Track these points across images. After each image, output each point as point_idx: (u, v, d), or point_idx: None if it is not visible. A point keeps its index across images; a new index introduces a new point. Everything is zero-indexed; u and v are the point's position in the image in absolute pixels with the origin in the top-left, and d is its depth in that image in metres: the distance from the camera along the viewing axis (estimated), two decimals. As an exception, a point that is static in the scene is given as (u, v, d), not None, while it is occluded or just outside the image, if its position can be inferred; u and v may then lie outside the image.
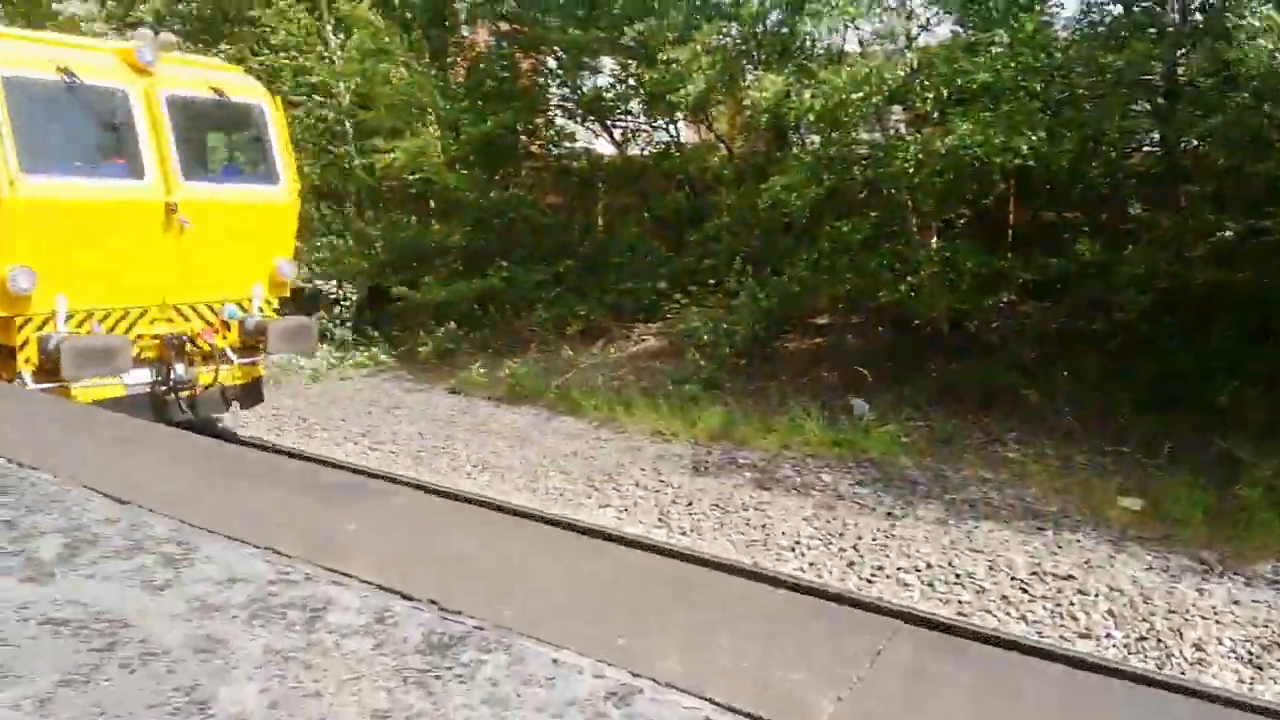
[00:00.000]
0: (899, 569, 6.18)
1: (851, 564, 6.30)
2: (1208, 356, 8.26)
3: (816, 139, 11.43)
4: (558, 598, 2.33)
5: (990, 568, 6.17)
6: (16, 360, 6.71)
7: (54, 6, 14.92)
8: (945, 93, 9.36)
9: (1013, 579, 6.00)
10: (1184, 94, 9.05)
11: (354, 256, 13.41)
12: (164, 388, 7.43)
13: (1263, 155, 7.97)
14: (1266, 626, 5.32)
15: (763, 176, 10.94)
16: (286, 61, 13.69)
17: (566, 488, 7.90)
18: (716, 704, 1.71)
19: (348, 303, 13.14)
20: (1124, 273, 8.80)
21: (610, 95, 14.03)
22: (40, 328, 6.76)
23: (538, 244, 13.74)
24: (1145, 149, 10.31)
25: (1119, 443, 8.25)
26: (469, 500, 6.59)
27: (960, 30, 10.26)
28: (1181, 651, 5.09)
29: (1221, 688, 4.63)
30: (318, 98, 14.11)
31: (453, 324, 12.68)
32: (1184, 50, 9.03)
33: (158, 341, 7.39)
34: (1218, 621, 5.39)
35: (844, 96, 9.14)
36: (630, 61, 13.32)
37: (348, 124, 14.13)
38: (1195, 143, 9.35)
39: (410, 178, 12.87)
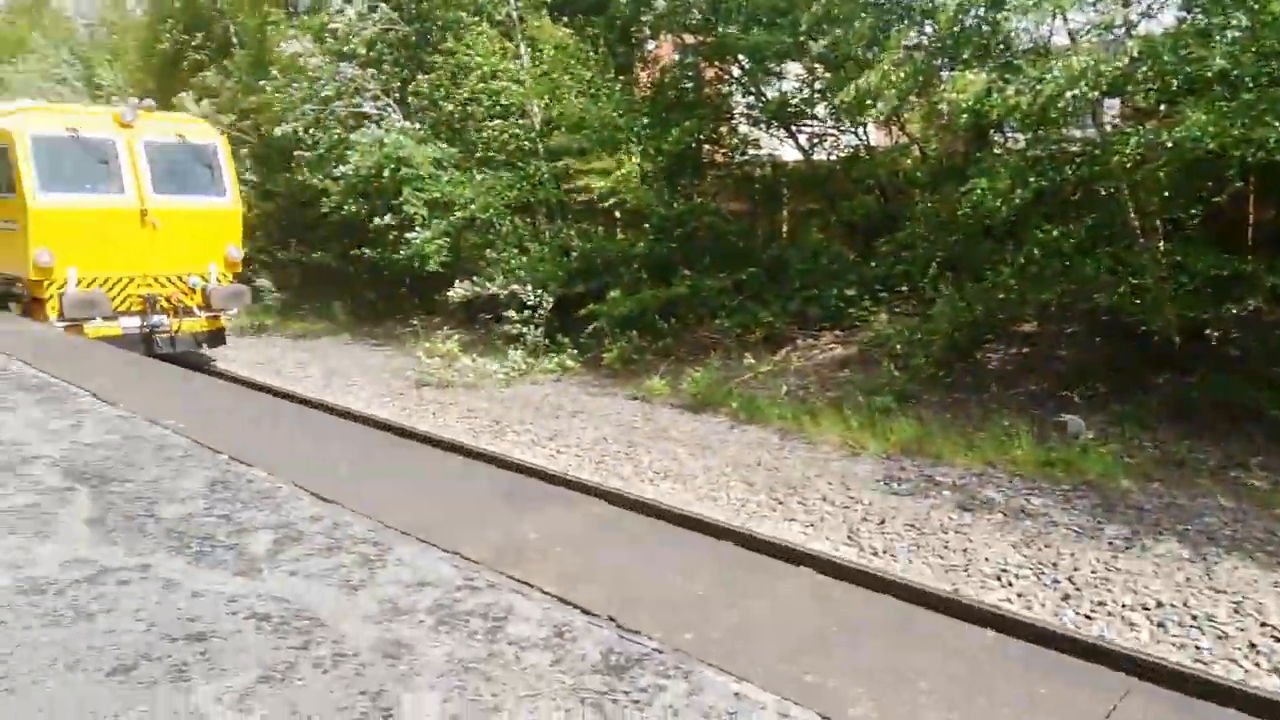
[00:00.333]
0: (1123, 606, 5.54)
1: (1067, 597, 5.72)
2: None
3: (1021, 138, 10.65)
4: (740, 623, 2.21)
5: (1235, 610, 5.41)
6: (46, 308, 10.87)
7: (280, 46, 16.54)
8: (1173, 83, 8.41)
9: (1263, 624, 5.22)
10: None
11: (547, 263, 13.89)
12: (147, 329, 11.50)
13: None
14: None
15: (960, 179, 10.29)
16: (483, 86, 14.43)
17: (749, 498, 7.73)
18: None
19: (542, 310, 13.59)
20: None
21: (796, 101, 13.75)
22: (61, 288, 10.92)
23: (721, 252, 13.68)
24: None
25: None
26: (648, 510, 6.57)
27: (1186, 15, 9.21)
28: None
29: None
30: (512, 119, 14.76)
31: (635, 333, 12.84)
32: None
33: (141, 300, 11.54)
34: None
35: (1057, 91, 8.42)
36: (817, 66, 12.98)
37: (540, 142, 14.68)
38: None
39: (608, 200, 13.14)
